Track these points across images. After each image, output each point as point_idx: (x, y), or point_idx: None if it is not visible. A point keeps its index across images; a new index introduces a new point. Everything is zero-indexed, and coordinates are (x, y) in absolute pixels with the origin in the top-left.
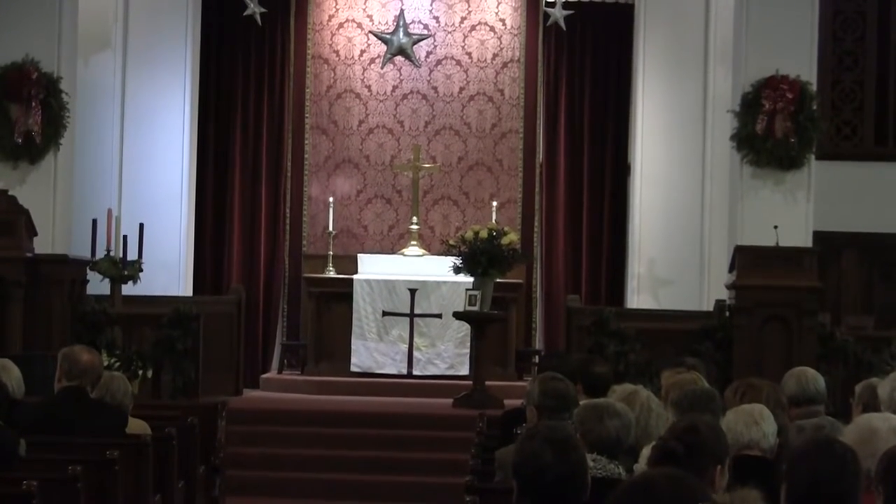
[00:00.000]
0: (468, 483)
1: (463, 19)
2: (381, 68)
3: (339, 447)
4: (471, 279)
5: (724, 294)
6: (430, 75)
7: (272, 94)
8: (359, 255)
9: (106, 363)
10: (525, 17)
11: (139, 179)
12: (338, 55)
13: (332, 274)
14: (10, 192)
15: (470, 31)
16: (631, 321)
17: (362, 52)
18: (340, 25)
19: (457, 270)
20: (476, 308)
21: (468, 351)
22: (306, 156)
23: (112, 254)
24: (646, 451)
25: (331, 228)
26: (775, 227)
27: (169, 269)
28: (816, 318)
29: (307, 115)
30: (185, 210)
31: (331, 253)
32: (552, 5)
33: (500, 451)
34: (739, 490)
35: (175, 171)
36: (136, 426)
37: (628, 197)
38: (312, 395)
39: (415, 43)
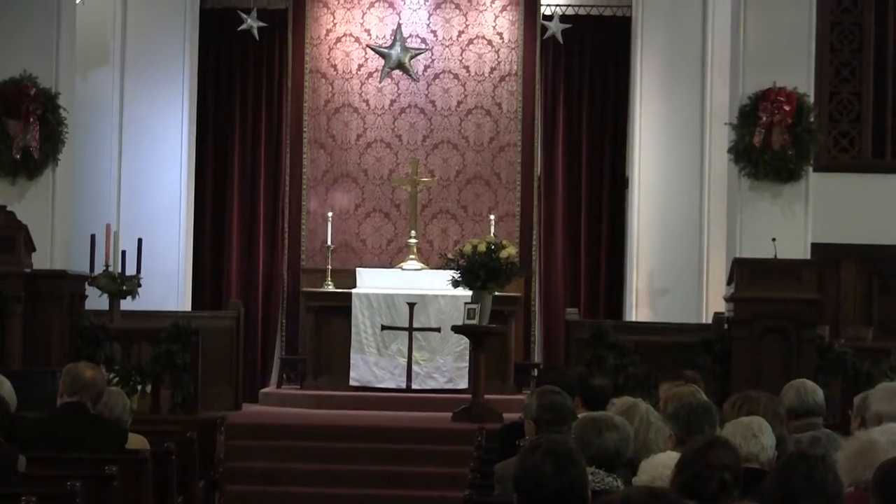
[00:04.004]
0: (467, 497)
1: (460, 33)
2: (379, 82)
3: (338, 461)
4: (469, 293)
5: (723, 306)
6: (427, 89)
7: (270, 109)
8: (357, 269)
9: (106, 380)
10: (522, 31)
11: (138, 194)
12: (335, 69)
13: (330, 288)
14: (8, 208)
15: (467, 45)
16: (630, 334)
17: (360, 66)
18: (338, 40)
19: (455, 284)
20: (475, 322)
21: (467, 364)
22: (304, 170)
23: (111, 269)
24: (644, 465)
25: (329, 242)
26: (773, 239)
27: (168, 284)
28: (815, 330)
29: (305, 130)
30: (184, 225)
31: (329, 267)
32: (549, 19)
33: (500, 465)
34: (739, 502)
35: (173, 185)
36: (135, 441)
37: (626, 210)
38: (311, 410)
39: (412, 57)
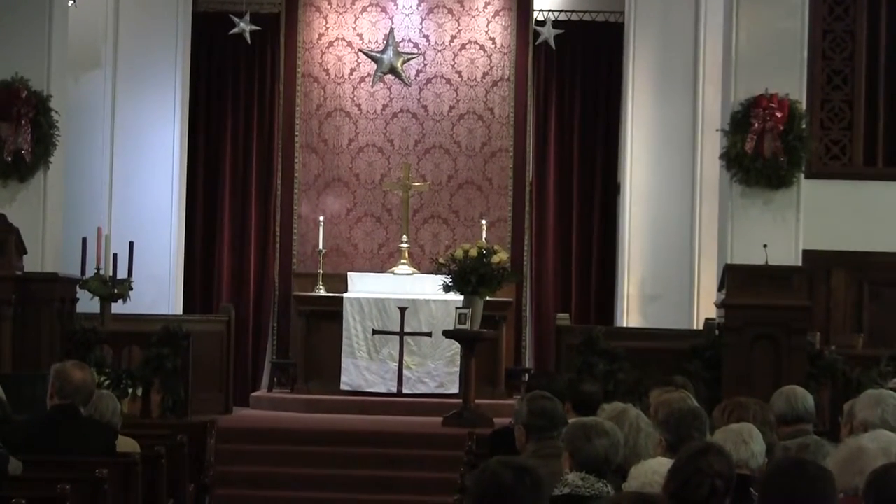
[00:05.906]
0: (457, 502)
1: (453, 38)
2: (371, 87)
3: (329, 466)
4: (460, 298)
5: (714, 313)
6: (419, 94)
7: (262, 113)
8: (349, 274)
9: (96, 382)
10: (515, 36)
11: (129, 198)
12: (328, 73)
13: (321, 292)
14: None
15: (460, 50)
16: (620, 340)
17: (352, 70)
18: (330, 44)
19: (446, 289)
20: (466, 326)
21: (458, 369)
22: (296, 174)
23: (102, 272)
24: (634, 470)
25: (321, 247)
26: (765, 245)
27: (159, 288)
28: (805, 337)
29: (297, 134)
30: (175, 228)
31: (321, 271)
32: (542, 24)
33: None
34: None
35: (165, 189)
36: (126, 444)
37: (618, 215)
38: (302, 414)
39: (405, 61)
